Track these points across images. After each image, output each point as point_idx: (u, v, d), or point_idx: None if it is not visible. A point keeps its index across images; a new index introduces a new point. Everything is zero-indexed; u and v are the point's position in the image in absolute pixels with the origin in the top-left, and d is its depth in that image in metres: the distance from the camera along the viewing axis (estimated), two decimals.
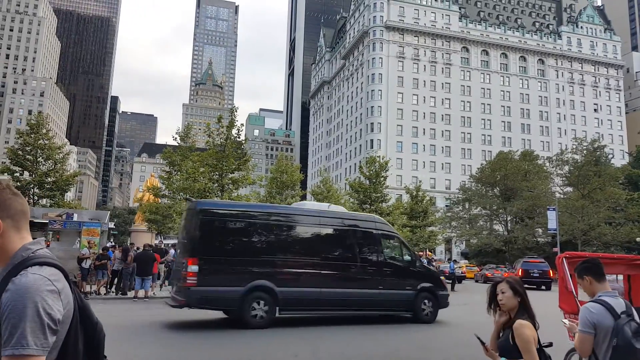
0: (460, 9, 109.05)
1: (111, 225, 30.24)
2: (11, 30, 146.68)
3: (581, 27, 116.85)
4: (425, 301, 13.69)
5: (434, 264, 32.86)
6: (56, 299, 1.60)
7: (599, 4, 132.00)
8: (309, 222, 13.26)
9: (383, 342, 10.71)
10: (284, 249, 12.74)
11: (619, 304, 3.31)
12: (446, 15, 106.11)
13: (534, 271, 30.09)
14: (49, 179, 31.62)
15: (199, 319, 13.40)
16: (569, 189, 53.95)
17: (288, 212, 13.95)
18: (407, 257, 14.50)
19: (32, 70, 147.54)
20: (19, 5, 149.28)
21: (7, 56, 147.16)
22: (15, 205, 1.77)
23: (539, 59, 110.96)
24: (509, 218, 55.66)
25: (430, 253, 44.46)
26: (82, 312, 1.75)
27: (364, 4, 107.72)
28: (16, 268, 1.64)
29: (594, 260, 3.64)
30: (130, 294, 19.03)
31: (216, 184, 23.32)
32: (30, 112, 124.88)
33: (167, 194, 31.83)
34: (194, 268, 11.32)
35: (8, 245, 1.72)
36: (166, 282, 23.15)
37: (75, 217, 21.09)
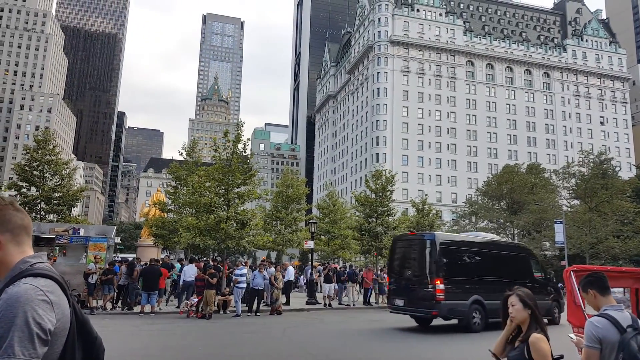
0: (464, 23, 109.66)
1: (117, 240, 30.30)
2: (19, 47, 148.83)
3: (586, 40, 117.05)
4: (555, 309, 17.83)
5: None
6: (48, 309, 1.58)
7: (604, 17, 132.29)
8: (495, 250, 17.33)
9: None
10: (484, 269, 16.17)
11: (625, 318, 3.27)
12: (450, 29, 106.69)
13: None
14: (56, 194, 31.77)
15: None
16: (576, 202, 53.55)
17: (484, 241, 17.99)
18: (542, 274, 18.92)
19: (40, 87, 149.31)
20: (27, 23, 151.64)
21: (15, 73, 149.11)
22: (15, 220, 1.78)
23: (544, 72, 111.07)
24: (516, 231, 55.24)
25: None
26: (81, 326, 1.74)
27: (369, 19, 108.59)
28: (12, 280, 1.64)
29: (598, 274, 3.61)
30: (137, 308, 18.99)
31: (222, 199, 23.35)
32: (37, 128, 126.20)
33: (173, 208, 31.91)
34: (441, 286, 14.64)
35: (7, 258, 1.73)
36: (172, 297, 23.10)
37: (82, 232, 21.15)
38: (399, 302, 16.10)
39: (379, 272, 26.93)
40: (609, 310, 3.32)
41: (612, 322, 3.20)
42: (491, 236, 20.12)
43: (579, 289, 6.28)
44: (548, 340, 3.20)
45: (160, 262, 22.42)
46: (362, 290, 25.97)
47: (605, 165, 53.04)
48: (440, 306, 14.57)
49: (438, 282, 14.68)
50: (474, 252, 16.65)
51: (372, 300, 25.73)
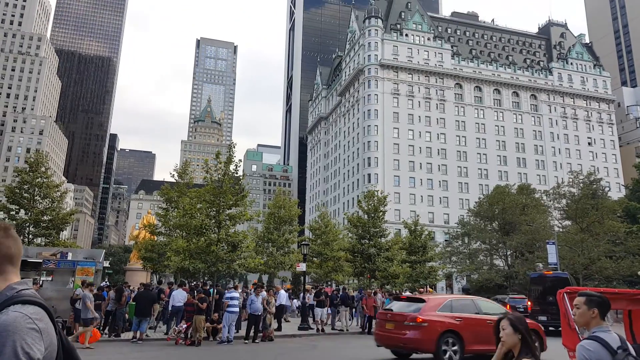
0: (452, 47, 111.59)
1: (106, 264, 29.84)
2: (13, 70, 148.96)
3: (571, 64, 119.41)
4: None
5: None
6: (37, 338, 1.55)
7: (587, 41, 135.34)
8: None
9: None
10: None
11: (614, 339, 3.28)
12: (439, 53, 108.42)
13: (519, 306, 32.59)
14: (45, 218, 31.38)
15: None
16: (568, 222, 53.76)
17: None
18: None
19: (32, 109, 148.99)
20: (21, 46, 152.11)
21: (8, 95, 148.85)
22: (2, 249, 1.75)
23: (532, 94, 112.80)
24: (508, 252, 55.19)
25: (430, 289, 43.85)
26: (67, 354, 1.71)
27: (359, 43, 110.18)
28: (0, 307, 1.60)
29: (606, 299, 3.59)
30: (124, 335, 18.55)
31: (213, 220, 23.14)
32: (28, 150, 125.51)
33: (163, 231, 31.56)
34: None
35: None
36: (160, 323, 22.57)
37: (70, 256, 20.78)
38: (542, 318, 21.45)
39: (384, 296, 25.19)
40: (599, 333, 3.33)
41: (603, 345, 3.21)
42: None
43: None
44: None
45: (155, 287, 22.06)
46: (366, 316, 23.59)
47: (594, 186, 53.49)
48: None
49: None
50: None
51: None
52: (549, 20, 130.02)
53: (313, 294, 26.54)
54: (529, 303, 26.44)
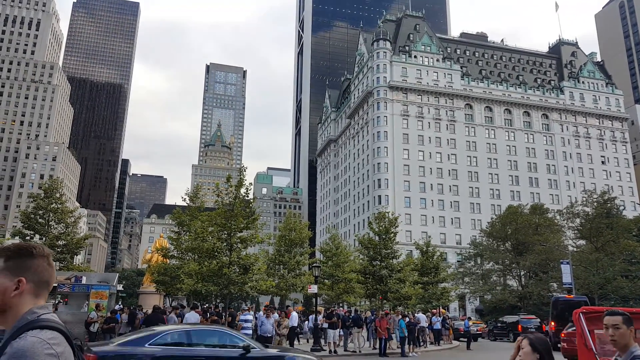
0: (461, 68, 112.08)
1: (120, 287, 29.97)
2: (26, 98, 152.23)
3: (582, 82, 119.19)
4: None
5: (447, 322, 31.96)
6: None
7: (599, 59, 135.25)
8: None
9: None
10: None
11: None
12: (448, 74, 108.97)
13: (530, 326, 32.70)
14: (60, 242, 31.72)
15: None
16: (582, 242, 53.06)
17: None
18: None
19: (45, 136, 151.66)
20: (34, 75, 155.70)
21: (22, 122, 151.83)
22: (44, 274, 1.80)
23: (543, 114, 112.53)
24: (522, 273, 54.48)
25: (443, 310, 43.31)
26: None
27: (368, 65, 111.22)
28: (18, 331, 1.63)
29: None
30: None
31: (225, 243, 23.25)
32: (42, 177, 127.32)
33: (175, 254, 31.71)
34: None
35: (20, 307, 1.73)
36: None
37: (84, 280, 20.97)
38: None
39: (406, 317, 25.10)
40: (638, 352, 3.23)
41: None
42: None
43: (590, 331, 6.15)
44: None
45: (169, 309, 22.06)
46: (383, 339, 23.07)
47: (609, 205, 52.87)
48: None
49: None
50: None
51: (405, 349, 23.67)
52: (560, 39, 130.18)
53: (325, 315, 26.34)
54: (553, 323, 27.52)
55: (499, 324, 39.40)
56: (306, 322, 32.91)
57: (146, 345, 9.95)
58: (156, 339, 10.19)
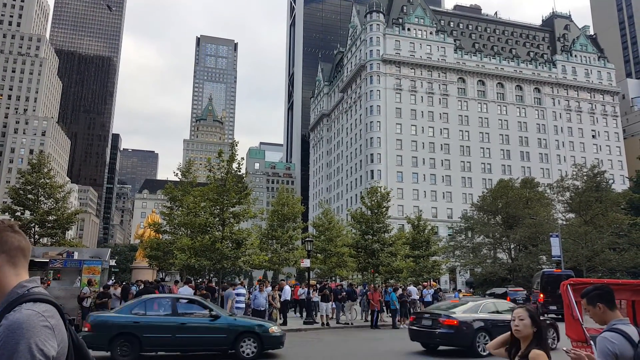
0: (455, 41, 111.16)
1: (112, 262, 30.04)
2: (13, 71, 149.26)
3: (575, 56, 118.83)
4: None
5: (440, 295, 32.45)
6: (50, 335, 1.58)
7: (592, 33, 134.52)
8: None
9: None
10: None
11: (634, 332, 3.25)
12: (441, 47, 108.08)
13: (519, 298, 34.17)
14: (50, 218, 31.59)
15: None
16: (571, 215, 53.72)
17: None
18: None
19: (34, 110, 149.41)
20: (21, 47, 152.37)
21: (10, 97, 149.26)
22: (12, 242, 1.78)
23: (535, 88, 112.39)
24: (512, 246, 55.23)
25: (434, 283, 43.94)
26: (77, 350, 1.74)
27: (361, 38, 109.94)
28: (11, 305, 1.64)
29: (606, 288, 3.57)
30: None
31: (217, 218, 23.27)
32: (31, 152, 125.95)
33: (168, 229, 31.74)
34: None
35: (4, 280, 1.73)
36: None
37: (76, 256, 20.96)
38: (553, 307, 26.33)
39: (389, 290, 25.56)
40: (619, 325, 3.29)
41: (625, 337, 3.18)
42: None
43: (577, 302, 6.25)
44: (549, 358, 3.20)
45: (157, 283, 22.21)
46: (376, 311, 23.63)
47: (598, 178, 53.38)
48: None
49: None
50: None
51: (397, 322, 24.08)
52: (553, 12, 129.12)
53: (317, 289, 26.68)
54: (542, 295, 29.10)
55: (488, 296, 40.26)
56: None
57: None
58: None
